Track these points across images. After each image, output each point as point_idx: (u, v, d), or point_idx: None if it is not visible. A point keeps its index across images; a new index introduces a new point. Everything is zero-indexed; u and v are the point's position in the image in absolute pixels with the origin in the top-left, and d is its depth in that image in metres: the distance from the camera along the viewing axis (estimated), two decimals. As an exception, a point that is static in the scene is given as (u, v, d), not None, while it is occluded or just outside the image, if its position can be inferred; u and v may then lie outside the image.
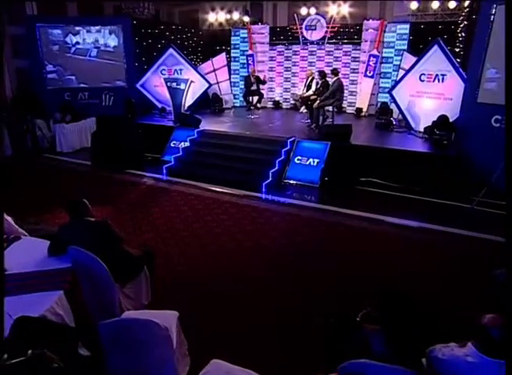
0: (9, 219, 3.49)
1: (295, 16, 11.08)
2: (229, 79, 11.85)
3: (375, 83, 10.12)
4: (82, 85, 9.90)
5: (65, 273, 2.72)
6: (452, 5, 9.63)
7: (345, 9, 10.82)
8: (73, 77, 9.70)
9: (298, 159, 6.85)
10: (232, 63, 11.98)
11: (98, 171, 7.36)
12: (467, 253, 4.29)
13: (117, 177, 7.07)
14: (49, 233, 3.88)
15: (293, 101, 11.67)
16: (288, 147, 6.95)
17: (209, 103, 11.13)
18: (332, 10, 10.84)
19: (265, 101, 11.71)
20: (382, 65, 10.01)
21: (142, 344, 2.19)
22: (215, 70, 11.53)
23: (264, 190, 6.29)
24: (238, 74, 12.07)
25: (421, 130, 7.84)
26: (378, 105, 10.15)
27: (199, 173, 6.87)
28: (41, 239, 3.44)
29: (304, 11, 11.17)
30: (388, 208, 5.54)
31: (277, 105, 11.92)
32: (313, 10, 11.08)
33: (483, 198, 5.27)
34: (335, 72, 7.96)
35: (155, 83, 10.74)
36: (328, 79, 8.39)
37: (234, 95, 12.11)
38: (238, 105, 12.13)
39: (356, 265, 4.05)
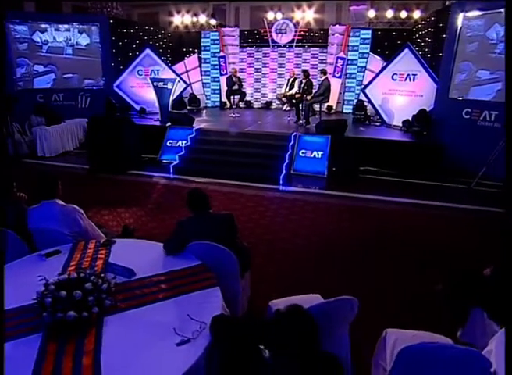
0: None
1: (264, 20, 11.09)
2: (201, 80, 11.51)
3: (342, 83, 10.55)
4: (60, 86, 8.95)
5: (203, 269, 2.46)
6: (403, 15, 10.43)
7: (309, 15, 11.10)
8: (76, 75, 8.76)
9: (303, 152, 6.91)
10: (202, 65, 11.62)
11: (99, 174, 6.68)
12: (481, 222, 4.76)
13: (124, 179, 6.50)
14: (115, 235, 3.51)
15: (264, 102, 11.73)
16: (292, 141, 6.98)
17: (183, 103, 10.68)
18: (297, 15, 11.07)
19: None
20: (348, 66, 10.46)
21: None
22: (187, 71, 11.12)
23: (281, 182, 6.25)
24: (209, 75, 11.75)
25: (396, 123, 8.40)
26: (345, 102, 10.68)
27: (210, 170, 6.59)
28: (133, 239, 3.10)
29: (270, 15, 11.23)
30: (400, 191, 5.88)
31: (248, 105, 11.83)
32: (279, 15, 11.20)
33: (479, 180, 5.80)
34: (323, 71, 8.16)
35: (132, 84, 10.04)
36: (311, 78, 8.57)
37: (206, 96, 11.78)
38: (210, 105, 11.83)
39: (408, 241, 4.26)
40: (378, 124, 8.75)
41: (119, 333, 1.89)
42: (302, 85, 8.66)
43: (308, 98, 8.21)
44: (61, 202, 2.85)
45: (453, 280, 3.02)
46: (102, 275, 2.19)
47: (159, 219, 4.82)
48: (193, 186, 6.13)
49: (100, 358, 1.70)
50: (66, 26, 8.91)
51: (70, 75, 8.90)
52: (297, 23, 10.97)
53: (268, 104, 11.65)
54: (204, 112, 10.69)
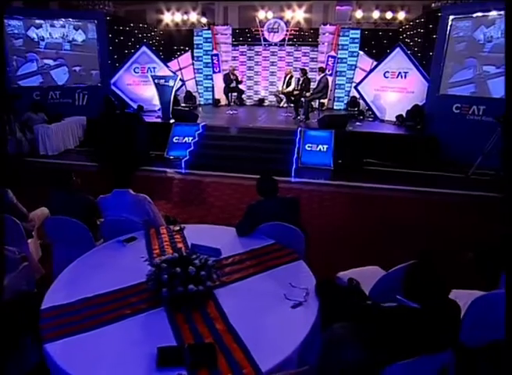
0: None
1: (256, 19, 11.28)
2: (195, 77, 11.56)
3: (332, 81, 10.92)
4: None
5: (278, 247, 2.65)
6: (389, 15, 10.96)
7: (299, 14, 11.39)
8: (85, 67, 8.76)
9: (309, 146, 7.18)
10: (195, 62, 11.66)
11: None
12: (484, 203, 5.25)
13: (138, 175, 6.45)
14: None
15: (257, 99, 11.93)
16: (298, 136, 7.24)
17: (177, 101, 10.70)
18: (287, 15, 11.35)
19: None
20: (338, 64, 10.85)
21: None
22: (181, 69, 11.14)
23: (293, 175, 6.50)
24: (202, 73, 11.80)
25: (388, 118, 8.86)
26: (336, 99, 11.08)
27: (222, 165, 6.70)
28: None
29: (261, 15, 11.43)
30: (404, 180, 6.28)
31: (241, 102, 11.98)
32: (270, 14, 11.43)
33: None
34: (322, 69, 8.47)
35: (128, 82, 9.96)
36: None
37: (199, 93, 11.83)
38: (202, 102, 11.88)
39: (416, 222, 4.65)
40: (371, 119, 9.19)
41: (234, 302, 2.06)
42: (300, 82, 8.95)
43: (307, 94, 8.51)
44: (132, 192, 2.96)
45: (484, 248, 3.37)
46: (198, 254, 2.35)
47: (189, 210, 4.95)
48: (208, 180, 6.29)
49: (231, 323, 1.87)
50: (62, 22, 8.72)
51: (79, 67, 8.79)
52: (288, 22, 11.25)
53: (261, 101, 11.86)
54: (200, 109, 10.73)
